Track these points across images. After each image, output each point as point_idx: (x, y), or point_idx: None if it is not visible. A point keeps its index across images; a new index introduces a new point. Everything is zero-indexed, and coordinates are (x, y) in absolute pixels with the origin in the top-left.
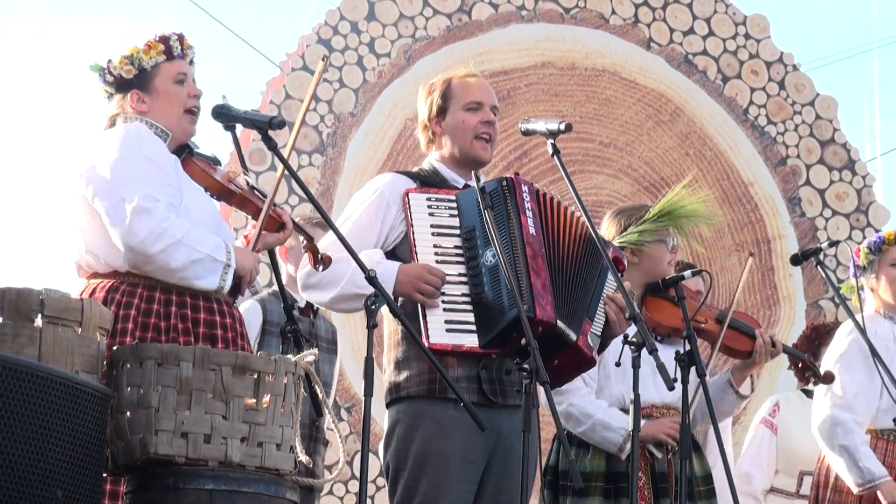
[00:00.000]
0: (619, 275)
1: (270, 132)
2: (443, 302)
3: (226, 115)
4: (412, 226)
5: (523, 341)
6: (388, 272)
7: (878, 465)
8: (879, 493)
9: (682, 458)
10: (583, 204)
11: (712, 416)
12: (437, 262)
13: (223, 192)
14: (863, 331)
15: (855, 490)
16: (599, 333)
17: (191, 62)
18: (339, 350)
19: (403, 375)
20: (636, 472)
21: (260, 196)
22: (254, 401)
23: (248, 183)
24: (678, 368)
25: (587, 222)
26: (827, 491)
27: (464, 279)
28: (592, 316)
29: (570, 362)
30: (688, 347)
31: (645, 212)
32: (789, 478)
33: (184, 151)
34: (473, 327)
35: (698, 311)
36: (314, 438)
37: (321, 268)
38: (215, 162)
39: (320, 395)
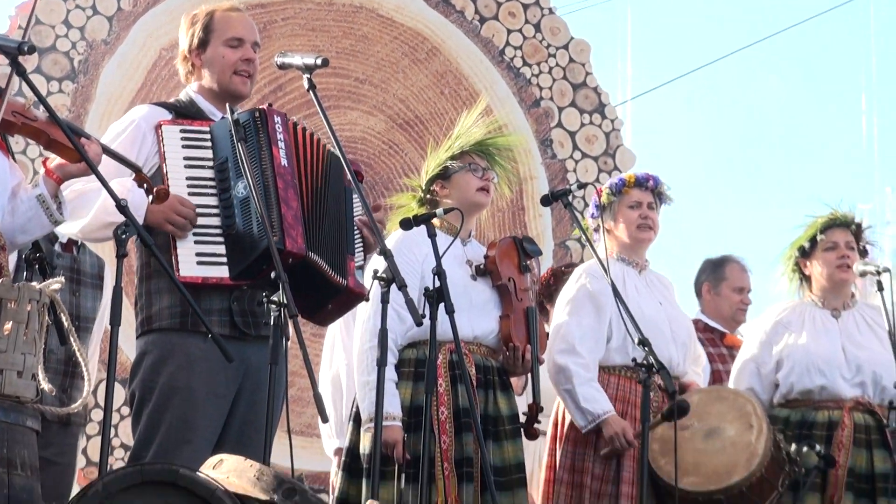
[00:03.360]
0: (360, 182)
1: (20, 58)
2: (194, 234)
3: None
4: (164, 158)
5: (273, 274)
6: (139, 202)
7: (600, 403)
8: (603, 429)
9: (440, 391)
10: (337, 139)
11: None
12: (189, 193)
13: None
14: (605, 269)
15: (583, 430)
16: (362, 263)
17: None
18: (105, 286)
19: (155, 307)
20: (429, 404)
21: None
22: None
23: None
24: (427, 304)
25: (335, 149)
26: (564, 428)
27: (215, 211)
28: (353, 251)
29: (341, 304)
30: (437, 284)
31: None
32: (545, 417)
33: None
34: (224, 259)
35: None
36: (70, 374)
37: (151, 198)
38: None
39: (66, 324)
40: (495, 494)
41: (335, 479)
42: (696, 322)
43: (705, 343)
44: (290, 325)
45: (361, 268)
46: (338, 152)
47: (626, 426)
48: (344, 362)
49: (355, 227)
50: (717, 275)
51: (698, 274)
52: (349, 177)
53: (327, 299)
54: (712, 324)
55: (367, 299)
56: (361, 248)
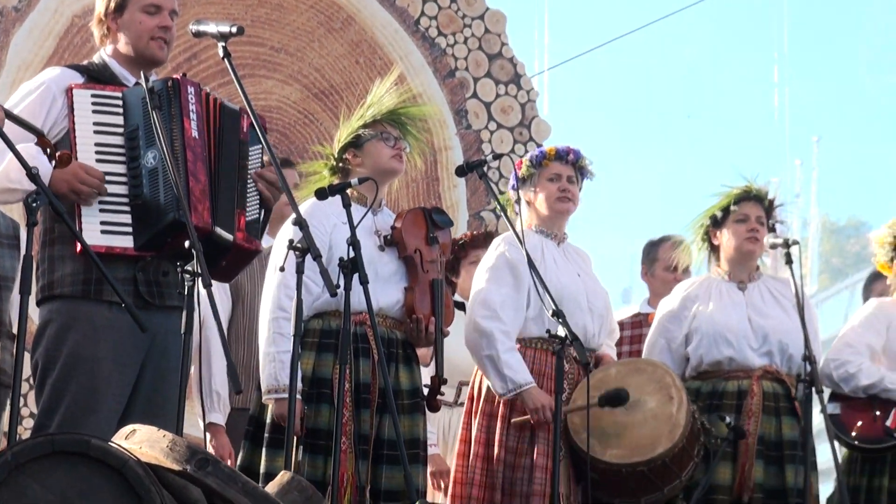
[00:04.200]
0: (264, 133)
1: None
2: (100, 202)
3: None
4: (74, 122)
5: (187, 244)
6: (45, 170)
7: (522, 373)
8: (522, 400)
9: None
10: (252, 108)
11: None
12: (97, 160)
13: None
14: (521, 240)
15: (501, 397)
16: (258, 217)
17: None
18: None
19: (57, 273)
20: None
21: None
22: None
23: None
24: (341, 275)
25: (244, 101)
26: (480, 401)
27: (123, 180)
28: (244, 205)
29: (234, 260)
30: (352, 254)
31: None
32: (449, 388)
33: None
34: (129, 229)
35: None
36: None
37: (54, 164)
38: None
39: None
40: (407, 467)
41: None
42: (637, 314)
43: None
44: (202, 295)
45: (257, 221)
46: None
47: (550, 401)
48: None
49: (250, 181)
50: (650, 257)
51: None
52: (249, 129)
53: (219, 256)
54: (646, 310)
55: (257, 253)
56: (257, 202)
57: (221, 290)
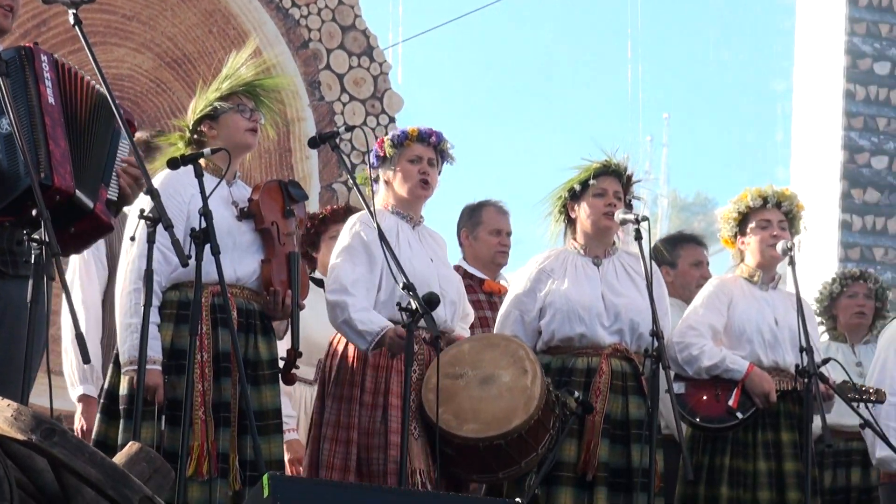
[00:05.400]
0: (131, 135)
1: None
2: None
3: None
4: None
5: (34, 212)
6: None
7: (376, 322)
8: (386, 342)
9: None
10: (104, 76)
11: None
12: None
13: None
14: (373, 215)
15: (368, 351)
16: (116, 198)
17: None
18: None
19: None
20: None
21: None
22: None
23: None
24: (193, 245)
25: (104, 90)
26: (330, 383)
27: None
28: (108, 182)
29: (87, 230)
30: (203, 224)
31: None
32: (309, 367)
33: None
34: None
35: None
36: None
37: None
38: None
39: None
40: (257, 439)
41: (81, 425)
42: (457, 268)
43: (466, 290)
44: (52, 265)
45: (114, 203)
46: (105, 92)
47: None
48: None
49: (114, 171)
50: (473, 220)
51: (458, 221)
52: (119, 122)
53: (70, 221)
54: (471, 270)
55: (112, 229)
56: (117, 190)
57: (97, 261)
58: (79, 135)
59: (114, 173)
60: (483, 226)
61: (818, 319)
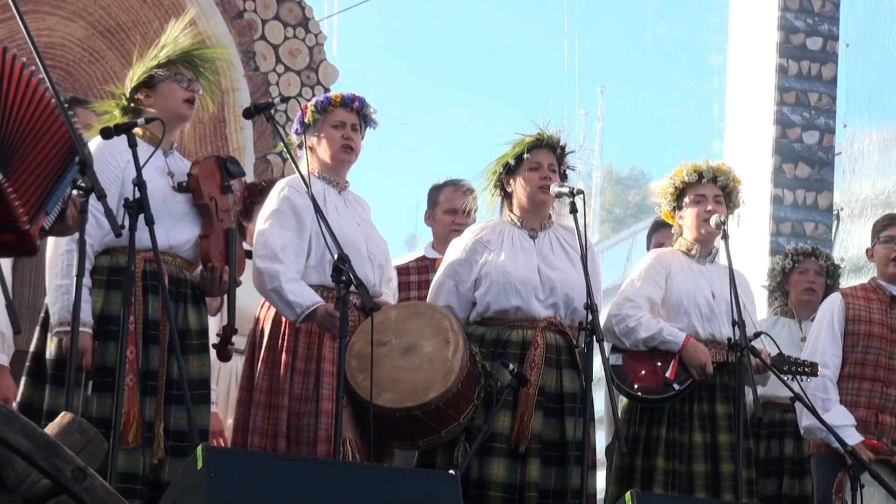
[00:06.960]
0: (83, 174)
1: None
2: None
3: None
4: None
5: None
6: None
7: (307, 295)
8: (315, 317)
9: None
10: (35, 45)
11: None
12: None
13: None
14: (307, 184)
15: (296, 323)
16: (49, 227)
17: None
18: None
19: None
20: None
21: None
22: None
23: None
24: (126, 216)
25: (63, 116)
26: (262, 349)
27: None
28: (50, 210)
29: (9, 243)
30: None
31: None
32: (241, 337)
33: None
34: None
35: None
36: None
37: None
38: None
39: None
40: (191, 408)
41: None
42: (421, 259)
43: (420, 271)
44: None
45: (45, 230)
46: (48, 82)
47: (335, 315)
48: None
49: (61, 201)
50: (432, 200)
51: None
52: (80, 157)
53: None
54: (431, 255)
55: (35, 253)
56: (55, 216)
57: None
58: (16, 130)
59: (59, 203)
60: (440, 205)
61: (772, 295)
